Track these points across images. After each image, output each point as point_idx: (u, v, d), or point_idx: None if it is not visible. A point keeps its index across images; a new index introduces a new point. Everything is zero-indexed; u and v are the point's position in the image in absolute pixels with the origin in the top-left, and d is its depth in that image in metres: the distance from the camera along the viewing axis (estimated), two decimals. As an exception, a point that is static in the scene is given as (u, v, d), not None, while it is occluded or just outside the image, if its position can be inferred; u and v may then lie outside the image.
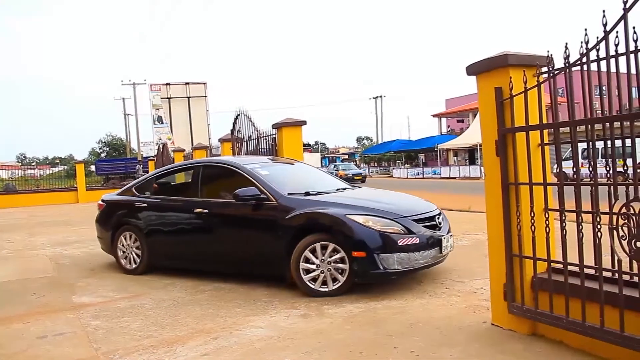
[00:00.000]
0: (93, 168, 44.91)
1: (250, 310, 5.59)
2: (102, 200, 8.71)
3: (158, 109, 40.58)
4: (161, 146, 27.00)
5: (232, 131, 12.14)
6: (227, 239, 6.96)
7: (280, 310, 5.54)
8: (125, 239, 7.94)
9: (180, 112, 40.18)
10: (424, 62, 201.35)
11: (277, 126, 9.74)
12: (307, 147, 58.97)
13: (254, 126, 10.87)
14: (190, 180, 7.81)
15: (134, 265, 7.82)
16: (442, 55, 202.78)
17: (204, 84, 41.22)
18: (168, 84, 40.58)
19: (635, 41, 3.37)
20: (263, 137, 10.40)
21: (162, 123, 40.55)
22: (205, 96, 40.76)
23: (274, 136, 9.90)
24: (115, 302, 6.24)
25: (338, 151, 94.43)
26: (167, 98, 40.29)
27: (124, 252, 7.95)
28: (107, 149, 67.31)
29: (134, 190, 8.23)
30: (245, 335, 4.79)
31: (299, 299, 5.92)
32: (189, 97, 40.26)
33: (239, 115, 11.62)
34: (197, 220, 7.16)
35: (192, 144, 22.94)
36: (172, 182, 8.83)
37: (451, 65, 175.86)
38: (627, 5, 3.29)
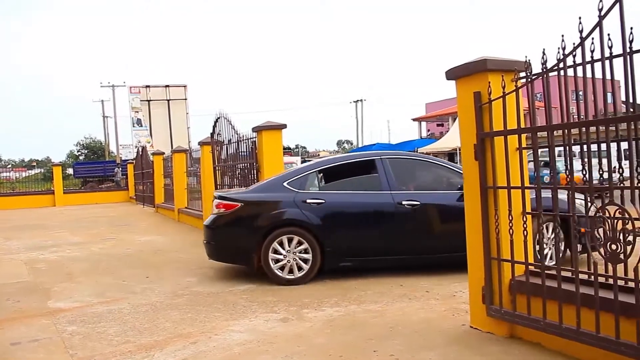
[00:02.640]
0: (71, 171, 44.42)
1: (229, 314, 5.57)
2: (232, 199, 7.40)
3: (137, 112, 40.27)
4: (140, 149, 26.79)
5: (212, 134, 12.08)
6: (440, 230, 6.95)
7: (260, 314, 5.53)
8: (283, 243, 7.01)
9: (160, 114, 39.92)
10: (404, 66, 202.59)
11: (257, 129, 9.72)
12: (288, 151, 58.91)
13: (234, 129, 10.82)
14: (363, 174, 7.44)
15: (299, 274, 6.96)
16: (422, 59, 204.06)
17: (184, 86, 41.01)
18: (148, 86, 40.30)
19: (610, 47, 3.43)
20: (243, 140, 10.37)
21: (142, 126, 40.24)
22: (186, 99, 40.55)
23: (254, 139, 9.87)
24: (92, 307, 6.17)
25: (319, 155, 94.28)
26: (147, 100, 40.00)
27: (280, 259, 6.98)
28: (86, 151, 66.63)
29: (288, 186, 7.32)
30: (224, 340, 4.76)
31: (279, 302, 5.92)
32: (169, 100, 40.02)
33: (219, 118, 11.57)
34: (404, 213, 6.95)
35: (172, 147, 22.81)
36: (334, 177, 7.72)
37: (431, 69, 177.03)
38: (602, 13, 3.35)
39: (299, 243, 7.00)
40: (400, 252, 7.02)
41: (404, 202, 6.93)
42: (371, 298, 5.95)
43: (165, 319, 5.50)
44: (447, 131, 44.63)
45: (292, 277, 6.95)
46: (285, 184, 7.33)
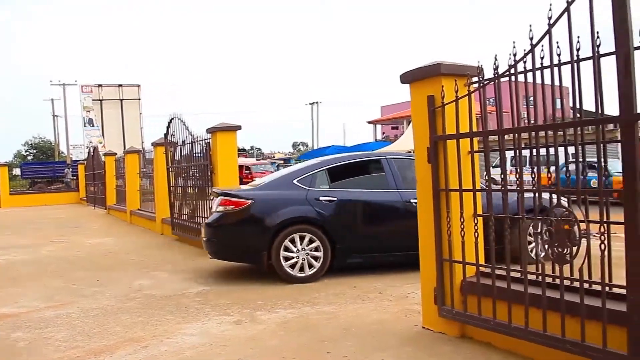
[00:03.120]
0: (18, 172, 43.20)
1: (181, 317, 5.50)
2: (242, 197, 7.27)
3: (89, 111, 39.50)
4: (92, 150, 26.25)
5: (166, 135, 11.95)
6: None
7: (213, 317, 5.48)
8: (295, 241, 6.99)
9: (112, 114, 39.25)
10: (360, 69, 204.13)
11: (212, 131, 9.65)
12: (243, 152, 58.55)
13: (188, 130, 10.73)
14: (370, 173, 7.59)
15: (310, 271, 6.97)
16: (378, 62, 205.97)
17: (138, 86, 40.42)
18: (100, 85, 39.57)
19: (559, 55, 3.53)
20: (197, 141, 10.28)
21: (93, 126, 39.50)
22: (139, 99, 39.97)
23: (208, 141, 9.80)
24: (39, 311, 5.99)
25: (274, 156, 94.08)
26: (99, 100, 39.28)
27: (291, 257, 6.96)
28: (34, 151, 64.92)
29: (298, 184, 7.31)
30: (176, 343, 4.70)
31: (232, 305, 5.87)
32: (122, 100, 39.39)
33: (173, 119, 11.45)
34: (412, 211, 6.80)
35: (125, 148, 22.43)
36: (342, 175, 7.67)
37: (387, 72, 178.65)
38: (552, 21, 3.45)
39: (310, 241, 7.01)
40: (407, 249, 6.81)
41: (411, 200, 6.83)
42: (325, 300, 5.97)
43: (116, 322, 5.40)
44: (402, 134, 45.06)
45: (304, 274, 6.96)
46: (295, 181, 7.33)
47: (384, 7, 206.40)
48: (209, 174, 9.73)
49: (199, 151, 10.34)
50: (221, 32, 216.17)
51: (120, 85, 39.74)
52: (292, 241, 6.97)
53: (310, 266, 7.00)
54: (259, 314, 5.51)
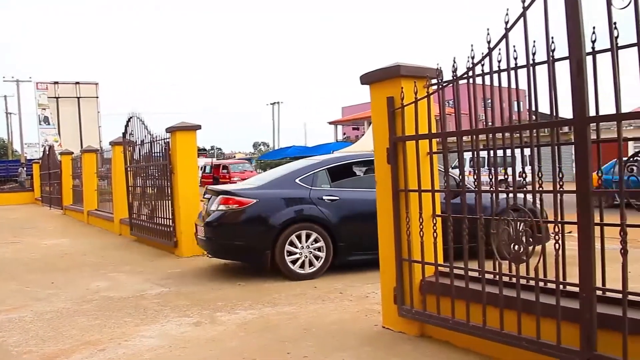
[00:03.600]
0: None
1: (140, 319, 5.42)
2: (245, 196, 7.28)
3: (44, 109, 38.62)
4: (47, 148, 25.66)
5: (124, 134, 11.76)
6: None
7: (172, 318, 5.42)
8: (298, 239, 7.08)
9: (69, 112, 38.46)
10: (321, 69, 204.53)
11: (171, 130, 9.55)
12: (203, 152, 57.99)
13: (147, 130, 10.59)
14: (370, 172, 7.44)
15: (313, 268, 7.10)
16: (339, 63, 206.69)
17: (96, 84, 39.70)
18: (56, 82, 38.72)
19: (516, 59, 3.60)
20: (156, 141, 10.15)
21: (49, 124, 38.65)
22: (97, 97, 39.28)
23: (167, 140, 9.68)
24: (-10, 315, 5.82)
25: (234, 156, 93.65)
26: (55, 97, 38.44)
27: (295, 255, 7.06)
28: (-14, 150, 63.14)
29: (301, 183, 7.38)
30: (134, 346, 4.63)
31: (192, 306, 5.82)
32: (79, 98, 38.63)
33: (131, 118, 11.28)
34: None
35: (82, 147, 21.99)
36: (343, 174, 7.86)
37: (347, 73, 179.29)
38: (508, 26, 3.51)
39: (314, 239, 7.13)
40: None
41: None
42: (285, 300, 5.96)
43: (72, 326, 5.28)
44: (363, 135, 45.34)
45: (306, 271, 7.08)
46: (297, 180, 7.41)
47: (345, 8, 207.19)
48: (169, 173, 9.61)
49: (158, 151, 10.21)
50: (182, 31, 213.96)
51: (77, 83, 38.97)
52: (296, 239, 7.09)
53: (311, 264, 7.13)
54: (219, 315, 5.48)
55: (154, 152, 10.41)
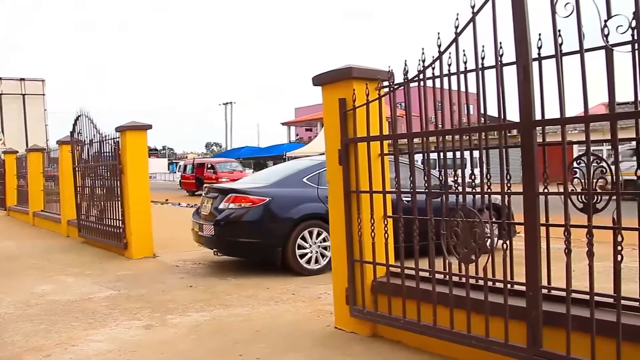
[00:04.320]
0: None
1: (88, 323, 5.29)
2: (257, 194, 7.47)
3: (-14, 107, 37.28)
4: (-11, 147, 24.78)
5: (72, 133, 11.49)
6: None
7: (122, 322, 5.31)
8: (309, 236, 7.35)
9: (13, 110, 37.20)
10: (274, 70, 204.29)
11: (121, 129, 9.37)
12: (154, 152, 57.20)
13: (96, 129, 10.37)
14: None
15: (319, 265, 7.38)
16: (293, 64, 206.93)
17: (42, 81, 38.52)
18: (0, 78, 37.45)
19: (465, 63, 3.67)
20: (106, 140, 9.95)
21: (-9, 122, 37.34)
22: (44, 94, 38.11)
23: (117, 140, 9.51)
24: None
25: (186, 157, 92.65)
26: (-2, 94, 37.16)
27: (305, 252, 7.33)
28: None
29: (308, 182, 7.60)
30: (81, 351, 4.52)
31: (142, 309, 5.73)
32: (24, 95, 37.40)
33: (79, 116, 11.02)
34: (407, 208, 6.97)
35: (27, 146, 21.35)
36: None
37: (301, 74, 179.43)
38: (458, 30, 3.58)
39: (323, 238, 7.37)
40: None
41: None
42: (238, 302, 5.93)
43: (15, 331, 5.11)
44: (316, 136, 45.46)
45: (314, 267, 7.34)
46: (304, 179, 7.67)
47: (298, 10, 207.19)
48: (118, 173, 9.44)
49: (107, 150, 10.01)
50: (134, 28, 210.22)
51: (22, 79, 37.75)
52: (305, 237, 7.34)
53: (317, 261, 7.41)
54: (170, 317, 5.41)
55: (104, 152, 10.21)
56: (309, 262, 7.34)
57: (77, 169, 11.60)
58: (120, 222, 9.39)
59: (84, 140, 11.09)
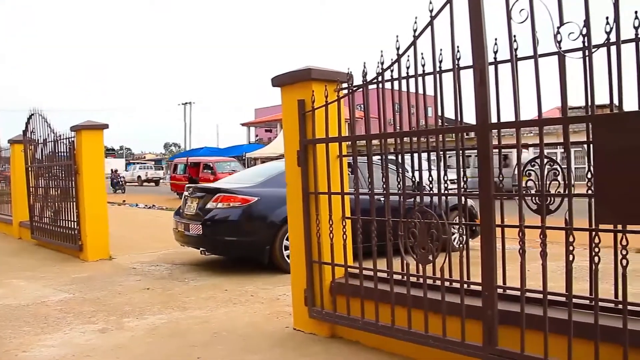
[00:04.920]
0: None
1: (40, 328, 5.15)
2: (246, 194, 7.58)
3: None
4: None
5: (25, 132, 11.21)
6: None
7: (76, 326, 5.19)
8: None
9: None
10: (234, 70, 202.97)
11: (76, 129, 9.18)
12: (111, 152, 56.24)
13: (50, 128, 10.14)
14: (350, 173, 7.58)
15: None
16: (252, 64, 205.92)
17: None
18: (-53, 76, 36.32)
19: (423, 65, 3.72)
20: (61, 139, 9.74)
21: (-61, 121, 36.21)
22: (-6, 93, 37.12)
23: (72, 139, 9.31)
24: None
25: (144, 157, 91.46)
26: (-55, 93, 36.02)
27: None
28: None
29: None
30: (33, 357, 4.39)
31: (97, 312, 5.61)
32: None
33: (33, 114, 10.77)
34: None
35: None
36: None
37: (261, 74, 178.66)
38: (416, 34, 3.62)
39: None
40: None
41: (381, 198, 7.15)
42: (195, 304, 5.87)
43: (-37, 338, 4.93)
44: (275, 137, 45.37)
45: None
46: None
47: (257, 9, 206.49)
48: (74, 174, 9.24)
49: (62, 150, 9.79)
50: (90, 26, 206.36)
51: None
52: None
53: None
54: (126, 320, 5.31)
55: (58, 152, 9.98)
56: None
57: (30, 169, 11.32)
58: (75, 223, 9.20)
59: (38, 140, 10.83)
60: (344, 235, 4.39)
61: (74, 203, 9.29)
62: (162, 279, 7.20)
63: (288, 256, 7.19)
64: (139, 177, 51.24)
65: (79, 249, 9.03)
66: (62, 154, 9.81)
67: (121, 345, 4.61)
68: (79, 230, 9.09)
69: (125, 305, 5.89)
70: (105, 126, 9.37)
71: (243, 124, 61.63)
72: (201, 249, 7.81)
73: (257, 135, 62.76)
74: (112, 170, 37.62)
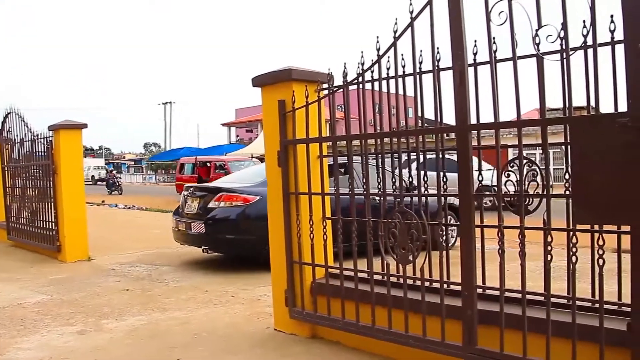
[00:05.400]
0: None
1: (17, 330, 5.07)
2: (248, 193, 7.75)
3: None
4: None
5: (1, 131, 11.07)
6: None
7: (53, 328, 5.13)
8: None
9: None
10: (214, 70, 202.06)
11: (54, 128, 9.08)
12: (90, 152, 55.70)
13: (28, 127, 10.02)
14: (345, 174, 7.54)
15: None
16: (233, 64, 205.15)
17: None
18: None
19: (404, 67, 3.73)
20: (38, 139, 9.63)
21: None
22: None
23: (50, 139, 9.21)
24: None
25: (124, 157, 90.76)
26: None
27: None
28: None
29: None
30: None
31: (75, 314, 5.55)
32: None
33: (9, 114, 10.64)
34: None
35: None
36: None
37: (241, 75, 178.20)
38: (397, 35, 3.63)
39: None
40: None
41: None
42: (175, 305, 5.83)
43: None
44: (256, 137, 45.22)
45: None
46: None
47: (238, 10, 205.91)
48: (52, 174, 9.14)
49: (40, 150, 9.68)
50: (69, 24, 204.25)
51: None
52: None
53: None
54: (105, 322, 5.27)
55: (36, 151, 9.86)
56: None
57: (6, 169, 11.18)
58: (53, 224, 9.10)
59: (15, 139, 10.69)
60: (325, 236, 4.39)
61: (52, 203, 9.20)
62: (141, 280, 7.15)
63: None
64: (92, 177, 53.33)
65: (57, 250, 8.93)
66: (40, 154, 9.70)
67: (100, 347, 4.57)
68: (57, 231, 9.00)
69: (104, 306, 5.84)
70: (84, 126, 9.29)
71: (224, 124, 61.41)
72: (203, 247, 7.93)
73: (237, 136, 62.57)
74: (107, 170, 36.92)
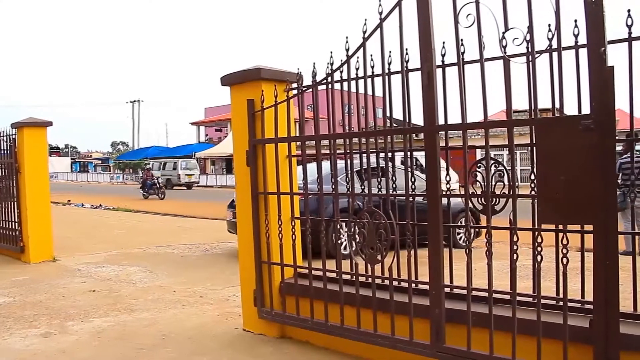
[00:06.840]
0: None
1: (-22, 333, 4.96)
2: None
3: None
4: None
5: (-37, 129, 10.81)
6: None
7: (16, 330, 5.02)
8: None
9: None
10: (183, 69, 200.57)
11: (18, 126, 8.90)
12: (56, 151, 54.67)
13: (-11, 125, 9.80)
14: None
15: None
16: (202, 63, 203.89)
17: None
18: None
19: (373, 67, 3.76)
20: (1, 137, 9.42)
21: None
22: None
23: (13, 137, 9.02)
24: None
25: (91, 156, 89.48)
26: None
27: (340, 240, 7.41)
28: None
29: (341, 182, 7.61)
30: (-30, 364, 4.25)
31: (39, 316, 5.44)
32: None
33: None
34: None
35: None
36: None
37: (210, 73, 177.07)
38: (366, 35, 3.65)
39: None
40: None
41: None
42: (143, 306, 5.77)
43: None
44: (226, 136, 44.98)
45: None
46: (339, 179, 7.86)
47: (207, 8, 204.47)
48: (15, 172, 8.95)
49: (4, 148, 9.48)
50: (33, 19, 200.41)
51: None
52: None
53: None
54: (71, 324, 5.18)
55: (0, 150, 9.65)
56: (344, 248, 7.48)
57: (-33, 168, 10.91)
58: (17, 224, 8.91)
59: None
60: (293, 236, 4.39)
61: (15, 203, 9.01)
62: (108, 281, 7.05)
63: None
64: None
65: (20, 251, 8.75)
66: (3, 152, 9.50)
67: (65, 350, 4.49)
68: (20, 231, 8.81)
69: (69, 308, 5.74)
70: (49, 123, 9.12)
71: (193, 123, 60.98)
72: None
73: (207, 135, 62.19)
74: (143, 169, 32.20)
